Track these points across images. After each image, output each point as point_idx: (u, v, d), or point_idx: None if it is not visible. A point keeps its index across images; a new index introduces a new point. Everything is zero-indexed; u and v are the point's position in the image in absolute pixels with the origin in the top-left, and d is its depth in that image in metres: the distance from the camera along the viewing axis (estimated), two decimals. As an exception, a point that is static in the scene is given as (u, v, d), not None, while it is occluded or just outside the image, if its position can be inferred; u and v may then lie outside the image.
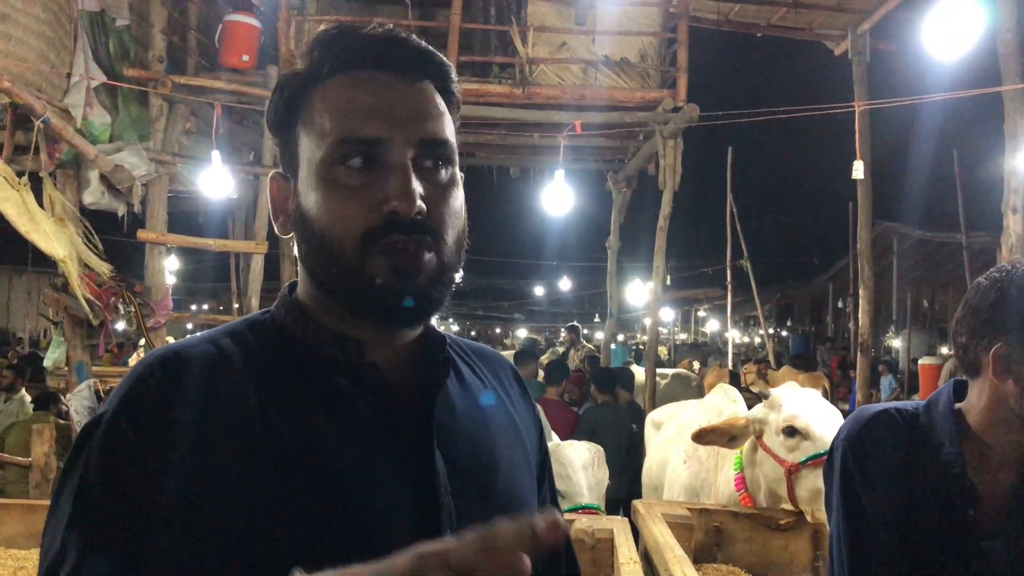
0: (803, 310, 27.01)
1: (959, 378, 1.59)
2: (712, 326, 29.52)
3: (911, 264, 16.55)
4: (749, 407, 3.39)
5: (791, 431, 2.91)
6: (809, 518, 2.91)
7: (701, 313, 30.81)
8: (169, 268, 7.18)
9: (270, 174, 1.01)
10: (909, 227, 15.28)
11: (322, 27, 0.98)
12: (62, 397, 6.14)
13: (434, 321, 1.05)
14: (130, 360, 6.90)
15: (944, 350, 14.74)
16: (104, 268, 5.81)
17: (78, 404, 5.42)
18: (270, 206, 1.00)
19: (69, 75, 6.01)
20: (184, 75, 6.91)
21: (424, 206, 0.90)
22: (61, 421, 5.82)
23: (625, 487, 5.66)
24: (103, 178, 6.05)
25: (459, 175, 0.99)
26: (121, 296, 5.92)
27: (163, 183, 6.61)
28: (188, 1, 7.50)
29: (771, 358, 13.90)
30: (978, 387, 1.48)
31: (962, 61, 5.13)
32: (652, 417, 5.02)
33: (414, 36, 0.97)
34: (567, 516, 2.90)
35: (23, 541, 3.17)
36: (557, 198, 7.39)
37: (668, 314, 24.84)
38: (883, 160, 10.71)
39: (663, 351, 18.87)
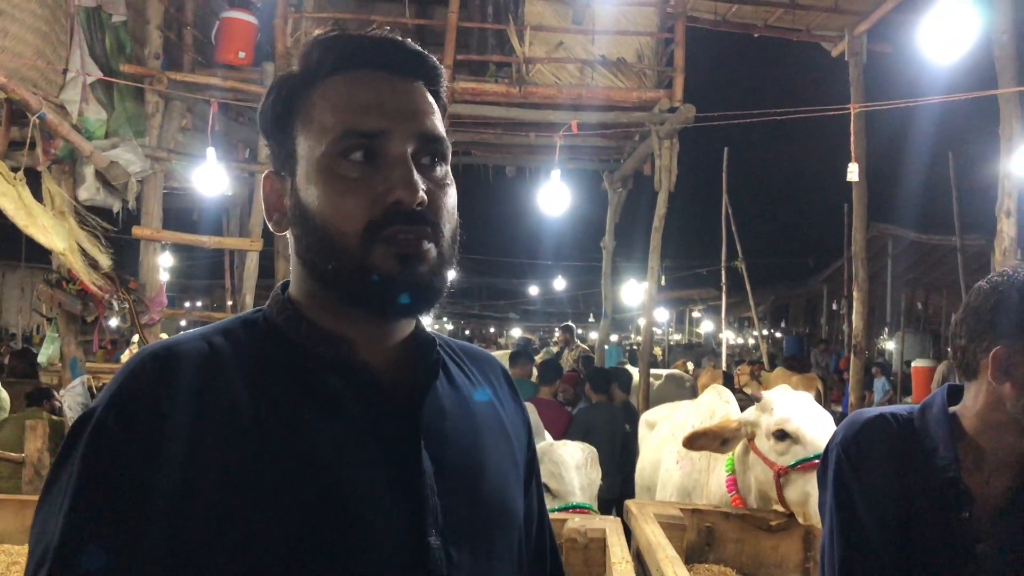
0: (797, 312, 27.06)
1: (953, 382, 1.60)
2: (706, 327, 29.54)
3: (905, 266, 16.58)
4: (742, 408, 3.40)
5: (781, 434, 2.92)
6: (801, 520, 2.91)
7: (696, 314, 30.81)
8: (163, 265, 7.15)
9: (263, 174, 1.01)
10: (904, 229, 15.31)
11: (318, 31, 0.99)
12: (55, 393, 6.12)
13: (428, 320, 1.05)
14: (122, 356, 6.88)
15: (937, 353, 14.79)
16: (105, 259, 5.81)
17: (71, 400, 5.41)
18: (264, 205, 1.01)
19: (65, 71, 6.00)
20: (180, 72, 6.90)
21: (426, 197, 0.91)
22: (55, 417, 5.81)
23: (618, 487, 5.67)
24: (98, 174, 6.05)
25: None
26: (116, 293, 5.91)
27: (158, 180, 6.60)
28: (185, -3, 7.50)
29: (765, 359, 13.93)
30: (975, 390, 1.49)
31: (958, 64, 5.15)
32: (646, 417, 5.02)
33: (409, 40, 0.99)
34: (559, 516, 2.90)
35: (16, 536, 3.16)
36: (553, 197, 7.39)
37: (663, 315, 24.86)
38: (879, 162, 10.73)
39: (657, 351, 18.89)
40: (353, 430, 0.91)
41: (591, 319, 28.92)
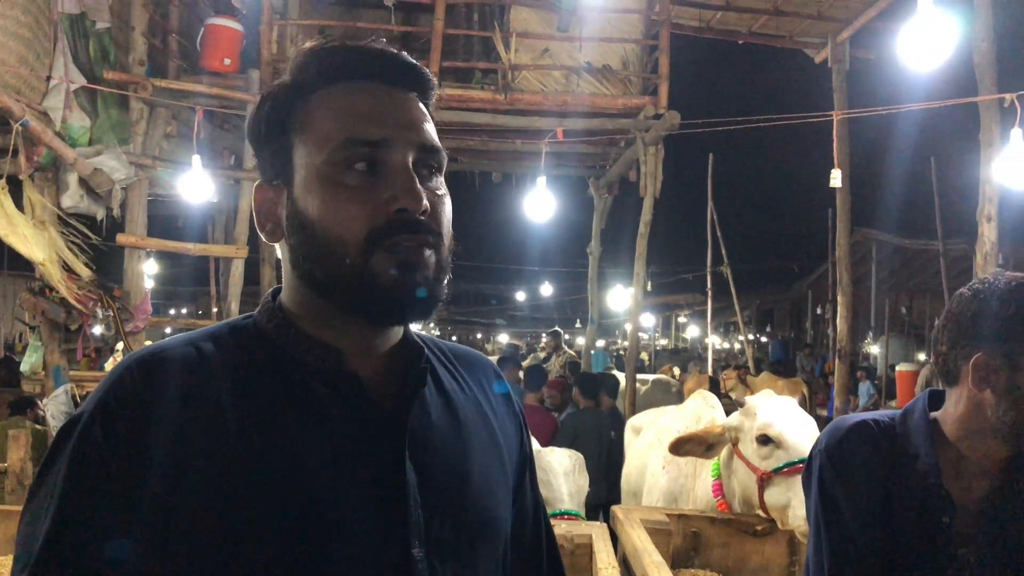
0: (783, 316, 27.16)
1: (934, 388, 1.62)
2: (692, 332, 29.63)
3: (889, 271, 16.67)
4: (728, 413, 3.41)
5: (764, 439, 2.93)
6: (780, 526, 2.93)
7: (682, 319, 30.91)
8: (148, 272, 7.12)
9: (255, 184, 1.00)
10: (888, 234, 15.40)
11: (310, 42, 0.99)
12: (38, 402, 6.08)
13: (416, 326, 1.06)
14: (107, 365, 6.83)
15: (921, 356, 14.88)
16: (85, 271, 5.77)
17: (55, 409, 5.37)
18: (256, 215, 1.00)
19: (48, 78, 5.96)
20: (165, 78, 6.87)
21: (429, 206, 0.92)
22: (38, 427, 5.77)
23: (604, 493, 5.67)
24: (82, 181, 6.01)
25: None
26: (100, 300, 5.87)
27: (143, 187, 6.56)
28: (169, 4, 7.46)
29: (751, 364, 13.98)
30: (955, 396, 1.51)
31: (939, 71, 5.19)
32: (632, 423, 5.04)
33: (404, 52, 0.99)
34: (547, 522, 2.90)
35: (0, 547, 3.14)
36: (539, 204, 7.40)
37: (649, 320, 24.91)
38: (862, 168, 10.82)
39: (644, 356, 18.93)
40: (339, 439, 0.91)
41: (578, 324, 28.93)
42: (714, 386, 9.31)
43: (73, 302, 5.58)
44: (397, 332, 1.01)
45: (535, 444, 4.36)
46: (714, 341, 16.79)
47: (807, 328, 22.48)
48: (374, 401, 0.95)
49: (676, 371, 13.67)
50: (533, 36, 7.43)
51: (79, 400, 5.48)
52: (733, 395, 9.06)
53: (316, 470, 0.88)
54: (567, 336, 16.91)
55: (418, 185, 0.92)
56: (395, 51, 0.98)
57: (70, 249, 5.73)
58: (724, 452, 3.18)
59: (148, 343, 6.29)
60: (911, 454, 1.51)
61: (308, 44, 0.99)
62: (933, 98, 6.31)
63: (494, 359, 8.93)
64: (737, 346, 24.78)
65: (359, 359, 0.96)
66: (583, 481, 3.61)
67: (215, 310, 8.39)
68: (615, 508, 3.26)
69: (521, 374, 7.93)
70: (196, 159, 6.27)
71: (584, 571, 2.67)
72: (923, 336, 17.36)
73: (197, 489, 0.82)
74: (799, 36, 8.41)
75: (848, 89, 8.07)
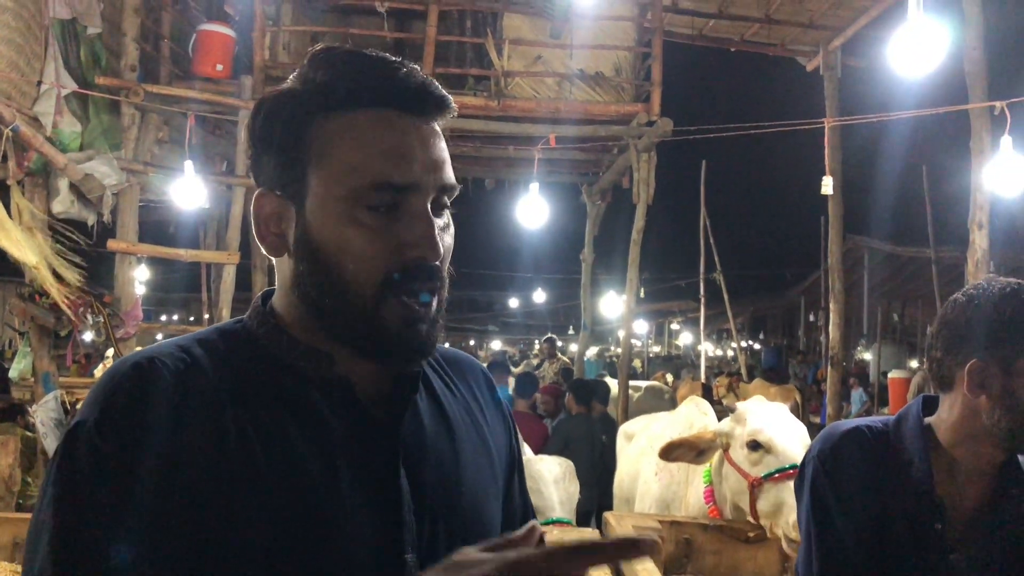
0: (775, 323, 27.20)
1: (928, 393, 1.62)
2: (685, 339, 29.66)
3: (881, 278, 16.71)
4: (720, 420, 3.41)
5: (755, 445, 2.93)
6: (768, 533, 2.92)
7: (675, 326, 30.94)
8: (139, 278, 7.10)
9: (256, 192, 0.97)
10: (880, 242, 15.44)
11: (321, 46, 0.96)
12: (28, 409, 6.04)
13: None
14: (96, 371, 6.80)
15: (913, 363, 14.91)
16: (74, 277, 5.74)
17: (44, 415, 5.33)
18: (256, 224, 0.97)
19: (39, 83, 5.94)
20: (157, 84, 6.86)
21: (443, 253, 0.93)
22: (28, 433, 5.74)
23: (596, 499, 5.67)
24: (73, 187, 5.98)
25: None
26: (90, 306, 5.84)
27: (134, 192, 6.55)
28: (161, 10, 7.46)
29: (743, 371, 13.99)
30: (950, 401, 1.51)
31: (931, 79, 5.21)
32: (624, 429, 5.03)
33: (435, 81, 0.97)
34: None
35: (-12, 555, 3.10)
36: (532, 210, 7.41)
37: (642, 327, 24.92)
38: (854, 175, 10.84)
39: (637, 363, 18.93)
40: (332, 445, 0.91)
41: (571, 331, 28.96)
42: (707, 393, 9.32)
43: (64, 307, 5.55)
44: None
45: (527, 452, 4.36)
46: (707, 348, 16.83)
47: (800, 335, 22.52)
48: (366, 407, 0.95)
49: (669, 378, 13.67)
50: (526, 43, 7.45)
51: (69, 407, 5.44)
52: (725, 402, 9.07)
53: (311, 476, 0.88)
54: (560, 343, 16.92)
55: (436, 233, 0.92)
56: (423, 77, 0.95)
57: (58, 256, 5.69)
58: (715, 458, 3.18)
59: (139, 349, 6.26)
60: (904, 460, 1.51)
61: (322, 50, 0.95)
62: (924, 106, 6.34)
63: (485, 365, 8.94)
64: (730, 353, 24.82)
65: (350, 365, 0.96)
66: (573, 489, 3.60)
67: (207, 316, 8.37)
68: (607, 514, 3.25)
69: (511, 380, 7.93)
70: (188, 165, 6.26)
71: (575, 578, 2.66)
72: (915, 343, 17.39)
73: (197, 494, 0.81)
74: (791, 44, 8.45)
75: (840, 97, 8.11)
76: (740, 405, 3.18)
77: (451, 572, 0.69)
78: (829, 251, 8.67)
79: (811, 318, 20.04)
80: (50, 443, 5.25)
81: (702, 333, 13.94)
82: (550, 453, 5.61)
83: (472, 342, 33.37)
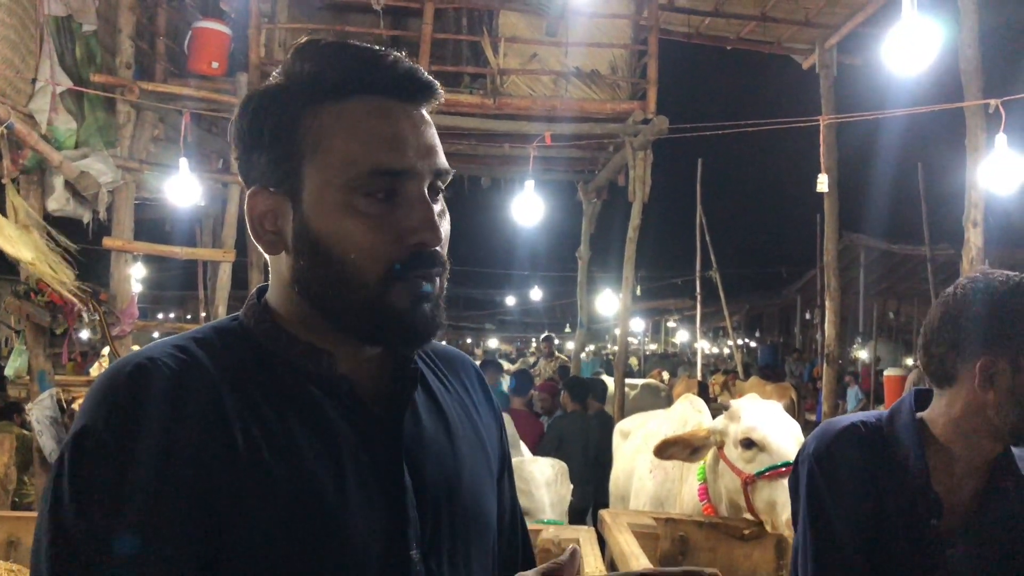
0: (771, 321, 27.22)
1: (920, 387, 1.61)
2: (682, 336, 29.69)
3: (877, 276, 16.75)
4: (715, 418, 3.42)
5: (748, 443, 2.94)
6: (768, 528, 2.93)
7: (671, 324, 30.97)
8: (135, 276, 7.07)
9: (250, 190, 0.96)
10: (875, 240, 15.46)
11: (305, 39, 0.96)
12: (23, 407, 6.03)
13: None
14: (92, 369, 6.78)
15: (909, 361, 14.94)
16: (68, 275, 5.73)
17: (39, 414, 5.32)
18: (252, 223, 0.96)
19: (34, 80, 5.92)
20: (152, 81, 6.85)
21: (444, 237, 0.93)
22: (25, 432, 5.73)
23: (591, 496, 5.68)
24: (68, 185, 5.97)
25: None
26: (86, 304, 5.84)
27: (130, 190, 6.54)
28: (157, 7, 7.43)
29: (739, 369, 14.01)
30: (949, 397, 1.50)
31: (926, 77, 5.22)
32: (620, 427, 5.04)
33: (420, 67, 0.96)
34: (533, 528, 2.90)
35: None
36: (528, 208, 7.40)
37: (638, 324, 24.96)
38: (849, 173, 10.84)
39: (634, 361, 18.94)
40: (335, 443, 0.91)
41: (567, 329, 28.96)
42: (703, 391, 9.33)
43: (69, 298, 5.53)
44: None
45: (523, 447, 4.36)
46: (703, 346, 16.83)
47: (795, 333, 22.57)
48: (367, 405, 0.95)
49: (665, 376, 13.68)
50: (522, 41, 7.44)
51: (65, 405, 5.43)
52: (721, 400, 9.09)
53: (319, 474, 0.88)
54: (557, 341, 16.92)
55: (436, 217, 0.92)
56: (409, 63, 0.95)
57: (53, 253, 5.68)
58: (710, 456, 3.18)
59: (135, 347, 6.26)
60: (900, 456, 1.51)
61: (307, 43, 0.95)
62: (920, 104, 6.35)
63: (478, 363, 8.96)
64: (726, 351, 24.85)
65: (349, 363, 0.96)
66: (565, 491, 3.61)
67: (203, 314, 8.35)
68: (603, 512, 3.26)
69: (505, 378, 7.94)
70: (183, 162, 6.25)
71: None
72: (911, 341, 17.43)
73: (207, 495, 0.81)
74: (787, 42, 8.46)
75: (835, 95, 8.12)
76: (734, 403, 3.19)
77: None
78: (825, 249, 8.68)
79: (807, 316, 20.09)
80: (45, 441, 5.24)
81: (698, 331, 13.94)
82: (545, 451, 5.63)
83: (469, 340, 33.38)
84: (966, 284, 1.49)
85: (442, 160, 0.96)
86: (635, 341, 25.16)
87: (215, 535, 0.81)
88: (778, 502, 2.79)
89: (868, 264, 15.38)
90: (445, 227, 0.97)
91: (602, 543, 2.96)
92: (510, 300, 32.73)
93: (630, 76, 7.66)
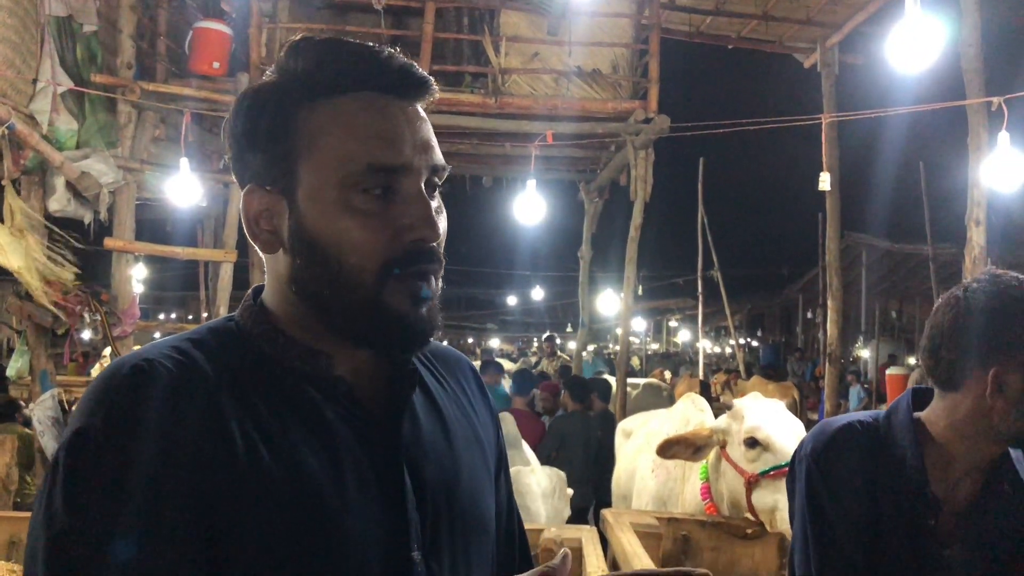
0: (773, 320, 27.20)
1: (919, 386, 1.60)
2: (684, 336, 29.70)
3: (879, 275, 16.71)
4: (717, 417, 3.41)
5: (752, 442, 2.93)
6: (769, 528, 2.93)
7: (673, 323, 30.97)
8: (136, 276, 7.06)
9: (245, 189, 0.95)
10: (877, 239, 15.44)
11: (299, 36, 0.95)
12: (25, 407, 6.03)
13: None
14: (94, 370, 6.78)
15: (911, 360, 14.92)
16: (66, 276, 5.72)
17: (41, 414, 5.32)
18: (248, 222, 0.95)
19: (35, 81, 5.92)
20: (153, 82, 6.85)
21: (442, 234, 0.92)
22: (27, 431, 5.72)
23: (592, 496, 5.67)
24: (69, 185, 5.97)
25: None
26: (87, 304, 5.84)
27: (131, 190, 6.54)
28: (158, 7, 7.43)
29: (741, 368, 13.99)
30: (952, 401, 1.49)
31: (928, 76, 5.21)
32: (622, 426, 5.04)
33: (413, 63, 0.96)
34: (534, 527, 2.89)
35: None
36: (529, 208, 7.39)
37: (640, 324, 24.95)
38: (852, 172, 10.84)
39: (636, 361, 18.94)
40: (334, 445, 0.90)
41: (569, 329, 28.96)
42: (705, 390, 9.32)
43: (50, 307, 5.53)
44: None
45: (525, 447, 4.35)
46: (705, 345, 16.82)
47: (797, 332, 22.54)
48: (365, 406, 0.95)
49: (667, 375, 13.67)
50: (523, 40, 7.44)
51: (66, 405, 5.43)
52: (722, 399, 9.08)
53: (319, 476, 0.87)
54: (559, 340, 16.93)
55: (433, 213, 0.91)
56: (404, 59, 0.94)
57: (52, 257, 5.67)
58: (712, 455, 3.18)
59: (136, 347, 6.25)
60: (897, 456, 1.50)
61: (300, 40, 0.94)
62: (922, 102, 6.34)
63: (477, 364, 8.97)
64: (728, 350, 24.85)
65: (346, 364, 0.95)
66: (562, 504, 3.59)
67: (204, 314, 8.35)
68: (605, 511, 3.25)
69: (506, 378, 7.93)
70: (184, 162, 6.25)
71: (573, 575, 2.66)
72: (913, 340, 17.41)
73: (206, 498, 0.81)
74: (788, 41, 8.45)
75: (837, 93, 8.11)
76: (737, 402, 3.18)
77: None
78: (827, 248, 8.68)
79: (809, 315, 20.06)
80: (47, 441, 5.24)
81: (700, 330, 13.92)
82: (546, 451, 5.62)
83: (471, 340, 33.40)
84: (976, 288, 1.46)
85: (439, 156, 0.95)
86: (637, 341, 25.14)
87: (214, 538, 0.80)
88: (781, 501, 2.79)
89: (870, 263, 15.35)
90: (442, 224, 0.96)
91: (604, 543, 2.95)
92: (512, 300, 32.73)
93: (631, 75, 7.65)
